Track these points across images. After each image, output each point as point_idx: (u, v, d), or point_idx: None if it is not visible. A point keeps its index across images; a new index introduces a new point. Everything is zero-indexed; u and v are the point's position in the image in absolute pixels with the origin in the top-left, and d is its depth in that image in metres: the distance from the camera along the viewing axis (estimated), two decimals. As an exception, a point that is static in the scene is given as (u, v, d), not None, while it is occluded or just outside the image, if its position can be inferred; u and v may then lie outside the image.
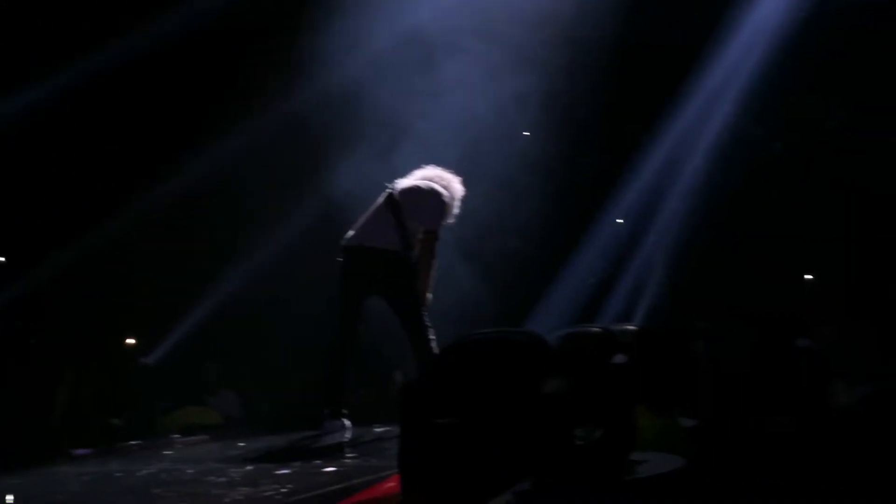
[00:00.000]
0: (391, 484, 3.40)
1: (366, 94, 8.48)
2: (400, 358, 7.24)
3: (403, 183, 6.03)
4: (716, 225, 10.05)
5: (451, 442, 2.92)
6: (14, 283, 8.79)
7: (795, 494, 3.49)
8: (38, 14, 8.73)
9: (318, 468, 4.47)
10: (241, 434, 6.26)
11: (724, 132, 9.85)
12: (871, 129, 9.79)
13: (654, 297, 10.30)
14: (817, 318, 8.03)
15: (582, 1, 8.70)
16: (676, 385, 3.86)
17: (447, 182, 6.04)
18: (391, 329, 5.96)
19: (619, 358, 3.22)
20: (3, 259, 9.39)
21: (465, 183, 6.16)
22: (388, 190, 5.98)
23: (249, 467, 4.59)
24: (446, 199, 5.95)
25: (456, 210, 6.05)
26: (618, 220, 10.60)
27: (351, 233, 5.94)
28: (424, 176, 6.07)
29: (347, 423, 5.77)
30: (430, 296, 5.91)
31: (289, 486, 3.88)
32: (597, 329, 3.43)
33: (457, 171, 6.18)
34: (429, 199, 5.93)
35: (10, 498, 3.90)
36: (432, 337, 5.74)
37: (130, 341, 9.26)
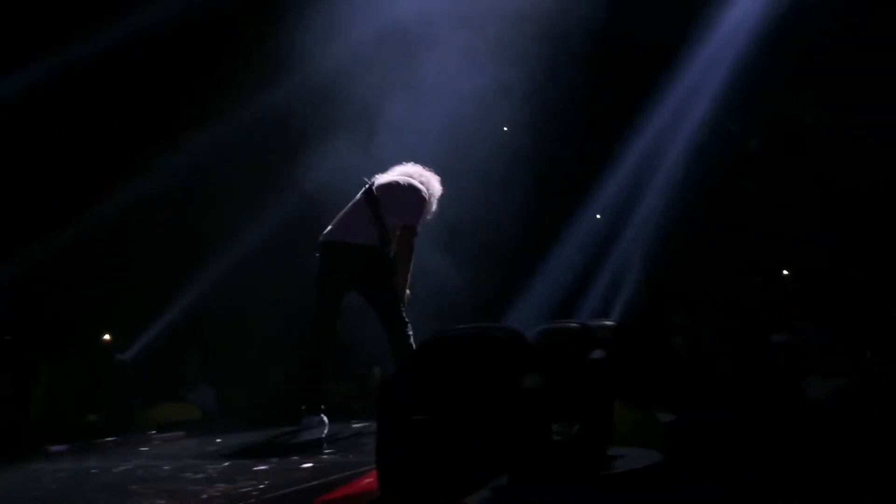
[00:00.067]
0: (369, 480, 3.40)
1: (345, 86, 8.45)
2: (378, 353, 7.24)
3: (382, 178, 6.02)
4: (693, 220, 10.11)
5: (428, 437, 2.91)
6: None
7: (772, 487, 3.52)
8: (14, 7, 8.65)
9: (296, 464, 4.46)
10: (218, 430, 6.24)
11: (701, 127, 9.90)
12: (847, 125, 9.87)
13: (632, 292, 10.34)
14: (793, 314, 8.12)
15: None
16: (654, 380, 3.88)
17: (426, 179, 6.04)
18: (369, 325, 5.95)
19: (597, 353, 3.22)
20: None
21: (444, 176, 6.16)
22: (366, 185, 5.97)
23: (226, 463, 4.57)
24: (425, 196, 5.95)
25: (434, 208, 6.04)
26: (596, 216, 10.63)
27: (329, 228, 5.93)
28: (404, 172, 6.07)
29: (325, 418, 5.77)
30: (408, 292, 5.91)
31: (266, 482, 3.86)
32: (575, 325, 3.43)
33: (435, 164, 6.18)
34: (408, 195, 5.92)
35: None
36: (410, 332, 5.74)
37: (107, 337, 9.21)
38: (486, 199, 8.86)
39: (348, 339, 6.38)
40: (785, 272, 10.49)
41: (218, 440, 5.64)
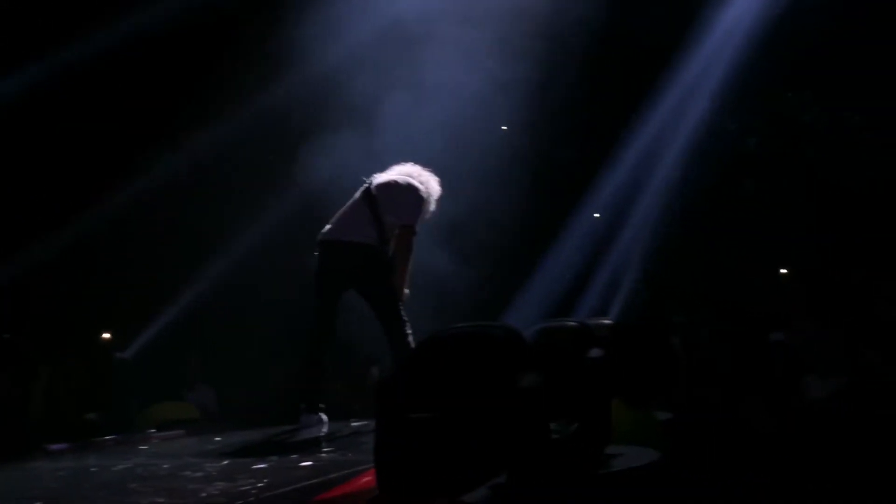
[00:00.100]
0: (367, 478, 3.40)
1: (344, 86, 8.45)
2: (377, 353, 7.24)
3: (381, 177, 6.02)
4: (692, 220, 10.11)
5: (427, 436, 2.92)
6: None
7: (771, 487, 3.53)
8: (14, 7, 8.65)
9: (295, 463, 4.46)
10: (217, 429, 6.24)
11: (700, 127, 9.90)
12: (845, 125, 9.88)
13: (631, 291, 10.35)
14: (793, 313, 8.12)
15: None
16: (653, 379, 3.88)
17: (425, 179, 6.03)
18: (368, 324, 5.95)
19: (596, 352, 3.23)
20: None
21: (443, 176, 6.16)
22: (365, 184, 5.98)
23: (226, 462, 4.57)
24: (423, 196, 5.94)
25: (432, 208, 6.04)
26: (594, 215, 10.64)
27: (327, 227, 5.93)
28: (402, 171, 6.06)
29: (324, 417, 5.77)
30: (406, 291, 5.91)
31: (265, 480, 3.87)
32: (573, 323, 3.44)
33: (434, 164, 6.18)
34: (406, 194, 5.92)
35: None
36: (409, 331, 5.74)
37: (107, 336, 9.21)
38: (485, 198, 8.86)
39: (347, 339, 6.38)
40: (784, 272, 10.50)
41: (217, 438, 5.64)
